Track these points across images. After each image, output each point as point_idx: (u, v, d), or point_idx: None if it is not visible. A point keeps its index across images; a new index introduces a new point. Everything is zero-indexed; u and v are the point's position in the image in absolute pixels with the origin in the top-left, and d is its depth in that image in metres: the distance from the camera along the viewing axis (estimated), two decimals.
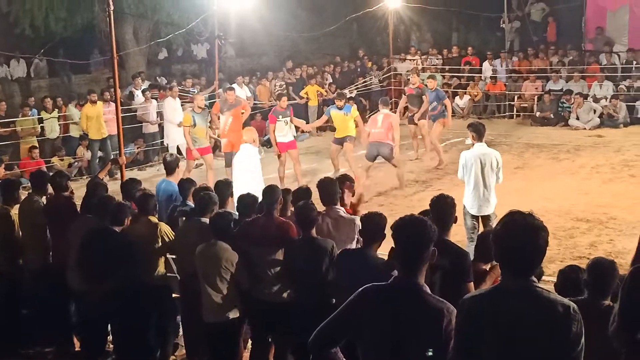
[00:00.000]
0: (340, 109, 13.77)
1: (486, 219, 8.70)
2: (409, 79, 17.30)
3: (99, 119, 15.31)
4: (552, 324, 2.97)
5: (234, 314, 6.11)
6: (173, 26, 18.44)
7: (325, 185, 6.56)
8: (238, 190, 7.87)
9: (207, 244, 6.08)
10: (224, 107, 13.53)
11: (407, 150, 15.68)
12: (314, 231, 5.88)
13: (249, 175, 9.68)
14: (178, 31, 17.53)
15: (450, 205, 5.35)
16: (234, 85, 17.44)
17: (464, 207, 8.73)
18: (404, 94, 16.08)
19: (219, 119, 14.02)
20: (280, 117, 13.32)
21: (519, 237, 3.05)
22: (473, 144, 8.80)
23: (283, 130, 13.33)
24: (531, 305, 3.00)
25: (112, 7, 9.30)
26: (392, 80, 22.52)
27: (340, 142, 13.73)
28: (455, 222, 5.40)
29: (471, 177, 8.71)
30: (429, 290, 3.46)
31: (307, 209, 5.92)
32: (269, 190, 6.40)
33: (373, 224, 5.19)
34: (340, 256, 5.42)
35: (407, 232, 3.49)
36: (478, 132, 8.77)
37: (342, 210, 6.47)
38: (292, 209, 6.57)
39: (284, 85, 20.29)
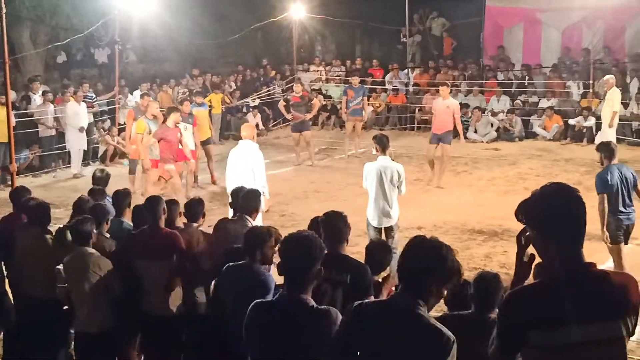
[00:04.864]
0: (200, 105, 14.80)
1: (389, 230, 8.76)
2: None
3: (4, 122, 14.61)
4: (424, 350, 3.01)
5: (106, 324, 5.78)
6: (72, 30, 17.87)
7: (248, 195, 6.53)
8: (235, 185, 7.47)
9: (73, 254, 5.78)
10: (138, 114, 13.23)
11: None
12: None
13: (249, 172, 9.26)
14: (77, 35, 17.05)
15: (341, 221, 5.16)
16: (137, 92, 17.13)
17: (367, 218, 8.81)
18: (284, 100, 17.30)
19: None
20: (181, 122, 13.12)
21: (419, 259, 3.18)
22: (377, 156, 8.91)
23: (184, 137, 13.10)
24: (409, 326, 3.03)
25: (4, 10, 9.06)
26: None
27: (206, 143, 14.55)
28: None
29: (372, 190, 8.74)
30: (313, 304, 3.47)
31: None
32: (152, 201, 6.20)
33: (256, 237, 4.99)
34: (226, 270, 5.13)
35: (293, 250, 3.48)
36: (382, 145, 8.84)
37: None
38: (185, 220, 6.42)
39: (187, 93, 19.99)
